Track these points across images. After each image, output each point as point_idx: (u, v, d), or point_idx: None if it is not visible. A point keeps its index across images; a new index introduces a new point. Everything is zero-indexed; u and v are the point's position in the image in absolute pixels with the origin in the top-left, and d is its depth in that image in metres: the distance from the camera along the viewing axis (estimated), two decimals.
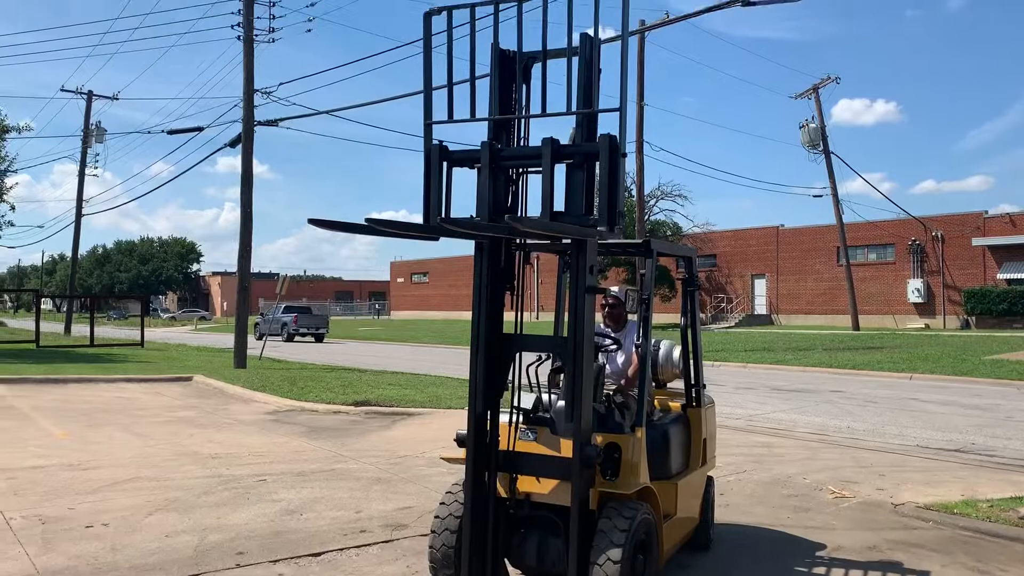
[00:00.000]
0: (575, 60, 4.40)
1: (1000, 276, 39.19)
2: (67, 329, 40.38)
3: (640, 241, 5.35)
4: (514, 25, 4.52)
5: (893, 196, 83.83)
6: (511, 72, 4.61)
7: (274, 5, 21.87)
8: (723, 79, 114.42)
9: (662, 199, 47.42)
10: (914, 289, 42.05)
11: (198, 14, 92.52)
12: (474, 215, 4.59)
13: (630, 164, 50.68)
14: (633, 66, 30.45)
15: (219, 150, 24.63)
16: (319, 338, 38.44)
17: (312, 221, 4.05)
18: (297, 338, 38.50)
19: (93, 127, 41.43)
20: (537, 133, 4.91)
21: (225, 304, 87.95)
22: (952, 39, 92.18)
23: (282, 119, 22.54)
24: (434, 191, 4.60)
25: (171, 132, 28.20)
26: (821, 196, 41.76)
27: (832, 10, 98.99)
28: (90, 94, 41.15)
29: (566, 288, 5.42)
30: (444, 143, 4.61)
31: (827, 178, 41.22)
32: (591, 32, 4.38)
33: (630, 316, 5.76)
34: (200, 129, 26.90)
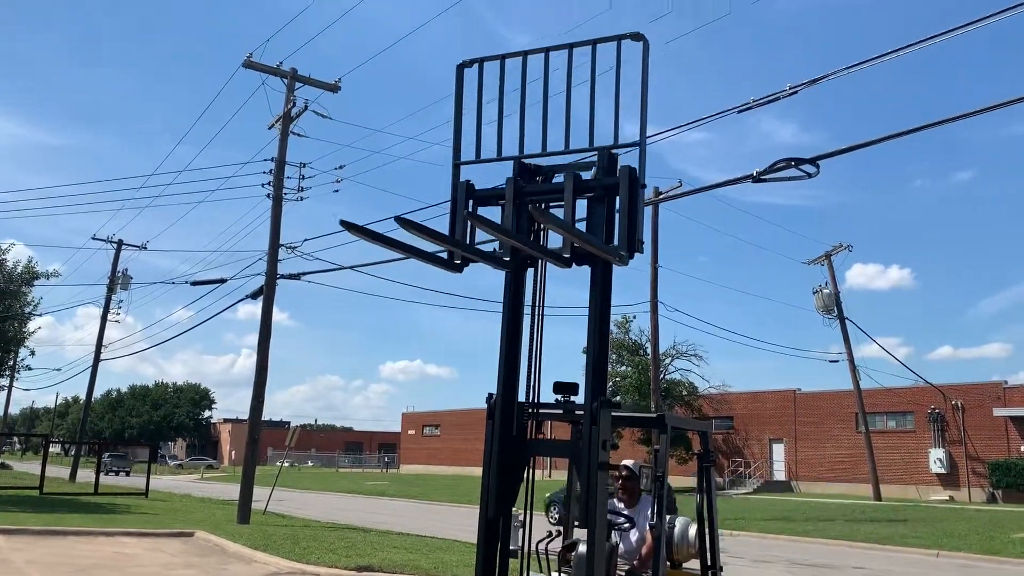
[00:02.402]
0: (598, 92, 4.58)
1: None
2: (72, 475, 39.79)
3: (655, 415, 5.32)
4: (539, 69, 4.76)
5: (910, 362, 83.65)
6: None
7: (304, 167, 22.89)
8: (736, 244, 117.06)
9: (677, 358, 47.36)
10: (936, 459, 41.03)
11: (230, 172, 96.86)
12: (497, 249, 4.64)
13: (644, 322, 51.00)
14: (648, 228, 31.28)
15: (240, 301, 25.28)
16: None
17: (344, 223, 3.96)
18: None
19: (120, 275, 42.44)
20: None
21: (233, 453, 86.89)
22: (963, 209, 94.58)
23: (304, 273, 23.05)
24: (459, 225, 4.66)
25: (195, 283, 28.82)
26: (837, 361, 41.62)
27: (842, 179, 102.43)
28: (119, 243, 42.39)
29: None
30: (471, 181, 4.71)
31: (842, 342, 41.22)
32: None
33: (644, 491, 5.65)
34: (223, 281, 27.46)
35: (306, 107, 21.72)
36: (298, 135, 22.13)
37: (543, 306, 4.76)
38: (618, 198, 4.44)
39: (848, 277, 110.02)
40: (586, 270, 4.51)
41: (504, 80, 4.90)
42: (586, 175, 4.57)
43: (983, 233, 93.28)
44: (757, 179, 11.62)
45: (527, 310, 4.76)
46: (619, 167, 4.46)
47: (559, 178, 4.61)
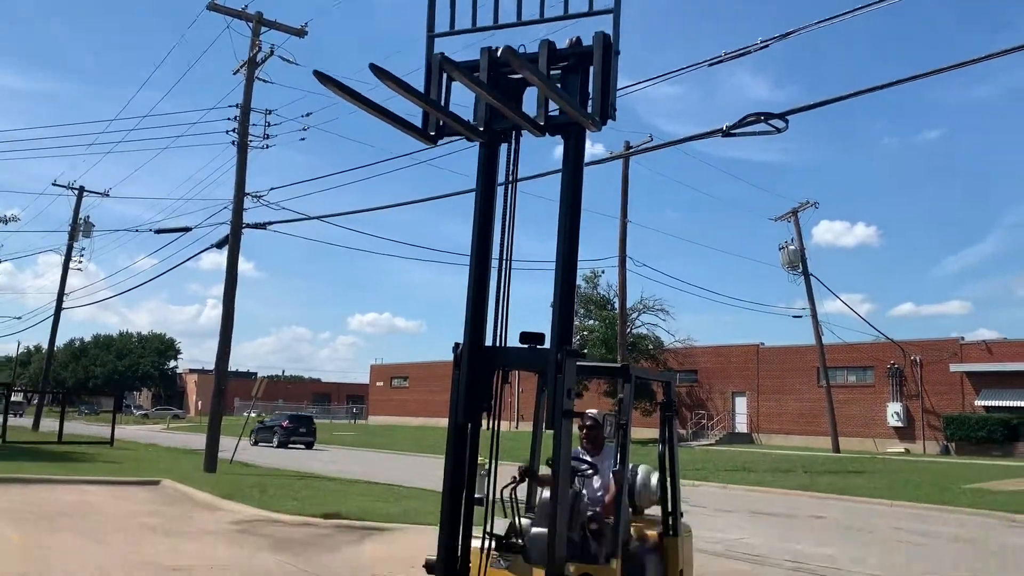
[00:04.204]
0: None
1: (979, 403, 39.35)
2: (36, 424, 39.42)
3: (619, 365, 5.36)
4: None
5: (872, 318, 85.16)
6: None
7: (270, 113, 22.47)
8: (705, 199, 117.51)
9: (644, 313, 47.77)
10: (893, 413, 42.08)
11: (195, 118, 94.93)
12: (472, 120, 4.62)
13: (612, 277, 51.17)
14: (617, 185, 31.27)
15: (205, 250, 24.81)
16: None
17: (317, 74, 3.81)
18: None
19: (81, 222, 41.61)
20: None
21: (200, 403, 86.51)
22: (930, 167, 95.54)
23: (270, 223, 22.77)
24: (434, 94, 4.65)
25: (159, 231, 28.38)
26: (801, 317, 42.25)
27: (812, 136, 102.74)
28: (81, 189, 41.42)
29: (543, 411, 5.39)
30: (444, 53, 4.68)
31: (807, 298, 41.81)
32: None
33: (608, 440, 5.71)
34: (188, 229, 27.01)
35: (272, 52, 21.26)
36: (264, 81, 21.70)
37: (516, 183, 4.75)
38: (592, 67, 4.44)
39: (815, 234, 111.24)
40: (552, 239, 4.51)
41: None
42: (561, 45, 4.55)
43: (949, 192, 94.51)
44: (727, 133, 11.62)
45: (496, 253, 4.73)
46: (593, 34, 4.47)
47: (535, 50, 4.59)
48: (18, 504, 13.11)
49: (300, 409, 77.67)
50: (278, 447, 35.38)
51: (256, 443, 35.94)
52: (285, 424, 35.92)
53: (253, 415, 37.47)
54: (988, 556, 12.08)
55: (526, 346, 4.63)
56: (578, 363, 4.56)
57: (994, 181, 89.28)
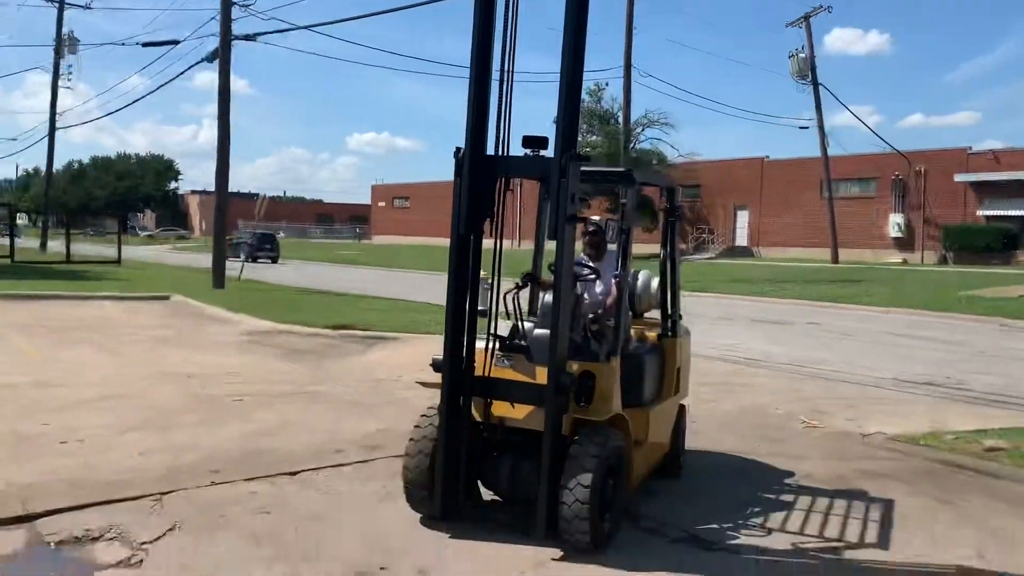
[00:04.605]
0: None
1: (981, 213, 39.39)
2: (43, 245, 39.81)
3: (622, 170, 5.26)
4: None
5: (880, 130, 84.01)
6: None
7: None
8: (715, 4, 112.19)
9: (648, 127, 46.93)
10: (895, 224, 42.22)
11: None
12: None
13: (617, 91, 49.87)
14: None
15: (196, 64, 23.96)
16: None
17: None
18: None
19: (66, 37, 40.17)
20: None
21: (204, 223, 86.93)
22: None
23: (260, 33, 21.85)
24: None
25: (146, 44, 27.54)
26: (807, 127, 41.57)
27: None
28: (62, 2, 39.71)
29: (546, 217, 5.35)
30: None
31: (814, 109, 40.92)
32: None
33: (610, 246, 5.71)
34: (176, 42, 26.14)
35: None
36: None
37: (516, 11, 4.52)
38: None
39: (827, 42, 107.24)
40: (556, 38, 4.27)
41: None
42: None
43: None
44: None
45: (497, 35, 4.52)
46: None
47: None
48: (33, 320, 13.43)
49: (305, 230, 78.50)
50: (246, 260, 37.02)
51: (228, 257, 37.25)
52: (250, 242, 38.58)
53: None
54: (974, 355, 12.48)
55: (529, 153, 4.53)
56: (582, 167, 4.47)
57: None
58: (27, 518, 4.51)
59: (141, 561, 4.04)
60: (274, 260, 39.71)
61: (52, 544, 4.22)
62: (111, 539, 4.29)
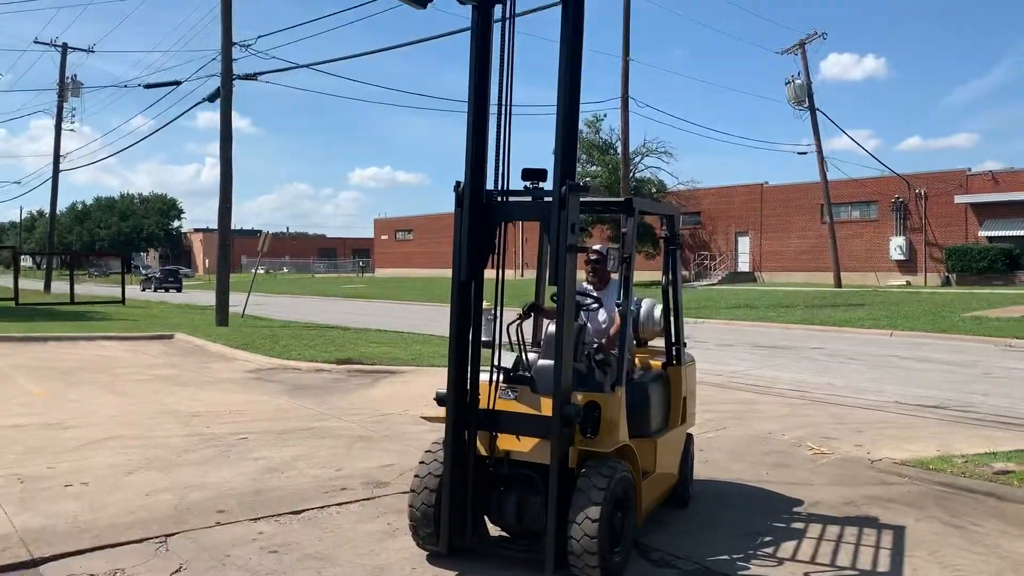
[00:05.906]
0: None
1: (982, 234, 39.39)
2: (47, 287, 39.97)
3: (622, 199, 5.28)
4: None
5: (879, 153, 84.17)
6: None
7: None
8: (710, 34, 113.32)
9: (647, 156, 47.16)
10: (896, 247, 42.22)
11: None
12: None
13: (614, 121, 50.13)
14: (619, 22, 30.07)
15: (197, 104, 24.10)
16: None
17: None
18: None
19: (69, 80, 40.60)
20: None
21: (207, 261, 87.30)
22: None
23: (261, 73, 22.09)
24: None
25: (148, 86, 27.65)
26: (806, 153, 41.74)
27: None
28: (65, 46, 40.19)
29: (547, 256, 5.37)
30: None
31: (812, 134, 41.09)
32: None
33: (612, 275, 5.73)
34: (178, 83, 26.34)
35: None
36: None
37: (512, 44, 4.56)
38: None
39: (823, 67, 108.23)
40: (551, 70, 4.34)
41: None
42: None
43: (960, 19, 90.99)
44: None
45: (494, 82, 4.58)
46: None
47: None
48: (38, 361, 13.44)
49: (308, 265, 78.97)
50: (155, 290, 49.53)
51: (144, 290, 50.00)
52: (159, 276, 52.25)
53: (260, 271, 37.99)
54: (980, 376, 12.41)
55: (528, 198, 4.54)
56: (581, 198, 4.50)
57: (1006, 8, 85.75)
58: (32, 563, 4.49)
59: None
60: (178, 290, 49.83)
61: None
62: None
